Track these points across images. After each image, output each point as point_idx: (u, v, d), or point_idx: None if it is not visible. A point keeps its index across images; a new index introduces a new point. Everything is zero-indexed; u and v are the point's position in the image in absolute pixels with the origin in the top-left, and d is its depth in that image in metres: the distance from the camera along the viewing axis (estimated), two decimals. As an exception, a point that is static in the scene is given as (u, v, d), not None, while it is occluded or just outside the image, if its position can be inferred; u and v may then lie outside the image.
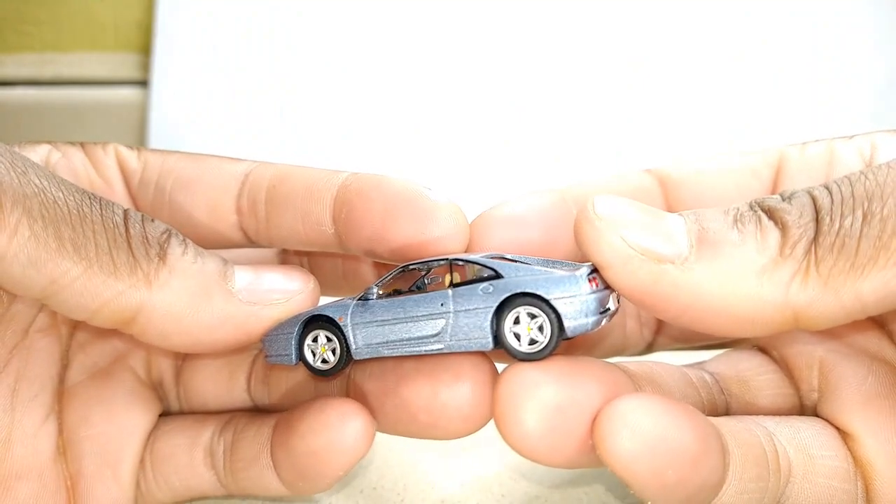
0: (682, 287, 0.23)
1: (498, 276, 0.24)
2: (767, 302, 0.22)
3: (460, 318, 0.24)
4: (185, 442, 0.31)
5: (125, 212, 0.25)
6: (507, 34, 0.66)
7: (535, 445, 0.24)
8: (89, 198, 0.25)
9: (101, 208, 0.25)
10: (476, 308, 0.24)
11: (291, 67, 0.65)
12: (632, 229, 0.23)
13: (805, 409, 0.30)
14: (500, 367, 0.27)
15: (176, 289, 0.25)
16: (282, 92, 0.65)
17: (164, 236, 0.26)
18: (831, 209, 0.22)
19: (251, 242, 0.33)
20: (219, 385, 0.33)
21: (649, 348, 0.36)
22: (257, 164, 0.32)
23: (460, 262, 0.26)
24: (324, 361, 0.27)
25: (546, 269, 0.24)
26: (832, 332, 0.29)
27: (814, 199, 0.23)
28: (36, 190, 0.23)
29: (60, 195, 0.24)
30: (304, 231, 0.30)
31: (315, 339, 0.27)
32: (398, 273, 0.27)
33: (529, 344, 0.24)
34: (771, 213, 0.23)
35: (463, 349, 0.25)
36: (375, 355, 0.26)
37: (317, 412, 0.27)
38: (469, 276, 0.26)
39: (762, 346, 0.32)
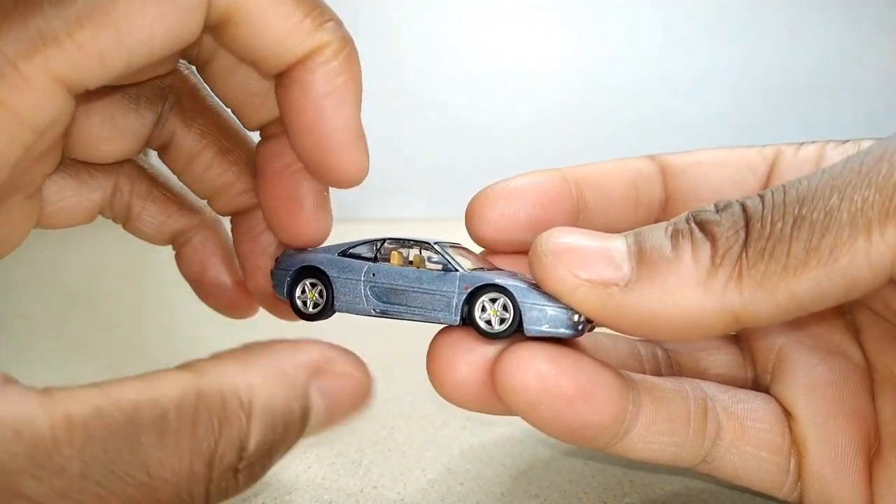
0: (629, 307, 0.24)
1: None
2: (707, 310, 0.24)
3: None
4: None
5: None
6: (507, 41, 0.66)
7: (458, 393, 0.28)
8: None
9: None
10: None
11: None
12: (577, 261, 0.25)
13: (759, 389, 0.32)
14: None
15: None
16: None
17: None
18: (762, 216, 0.23)
19: None
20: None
21: None
22: None
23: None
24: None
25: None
26: (795, 324, 0.31)
27: (744, 208, 0.24)
28: None
29: None
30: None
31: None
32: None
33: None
34: (702, 226, 0.24)
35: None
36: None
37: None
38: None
39: None
